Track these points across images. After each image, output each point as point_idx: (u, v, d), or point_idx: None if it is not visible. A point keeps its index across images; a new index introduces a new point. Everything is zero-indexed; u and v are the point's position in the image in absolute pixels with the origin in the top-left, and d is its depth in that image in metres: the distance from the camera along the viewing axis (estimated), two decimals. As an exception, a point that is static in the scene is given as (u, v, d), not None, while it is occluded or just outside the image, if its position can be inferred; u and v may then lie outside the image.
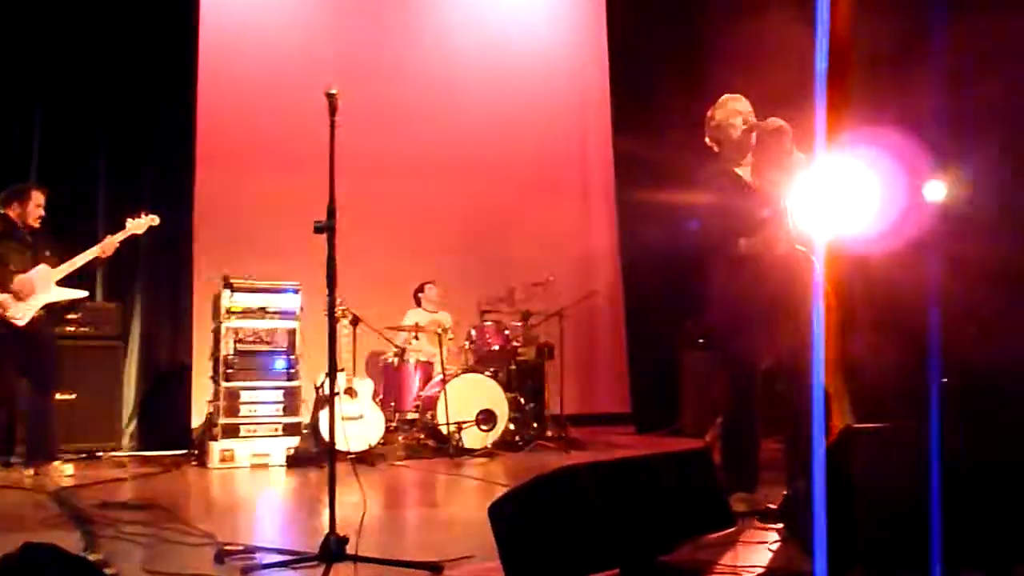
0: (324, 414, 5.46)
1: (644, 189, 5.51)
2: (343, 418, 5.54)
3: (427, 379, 6.42)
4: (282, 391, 5.72)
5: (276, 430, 5.66)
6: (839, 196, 2.50)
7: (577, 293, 6.91)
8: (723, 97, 3.55)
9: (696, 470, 2.39)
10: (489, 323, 6.44)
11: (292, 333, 5.83)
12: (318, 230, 2.72)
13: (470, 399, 5.94)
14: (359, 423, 5.71)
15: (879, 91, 3.98)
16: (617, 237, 7.73)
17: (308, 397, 5.85)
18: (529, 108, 7.81)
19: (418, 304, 6.85)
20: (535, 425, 6.34)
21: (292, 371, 5.74)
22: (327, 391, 5.11)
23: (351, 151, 5.64)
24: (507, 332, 6.42)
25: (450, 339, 6.30)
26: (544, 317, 6.62)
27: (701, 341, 6.86)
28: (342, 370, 5.73)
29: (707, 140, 3.58)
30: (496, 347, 6.32)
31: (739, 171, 3.55)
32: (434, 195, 7.43)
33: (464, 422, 5.84)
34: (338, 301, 4.10)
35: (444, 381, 5.94)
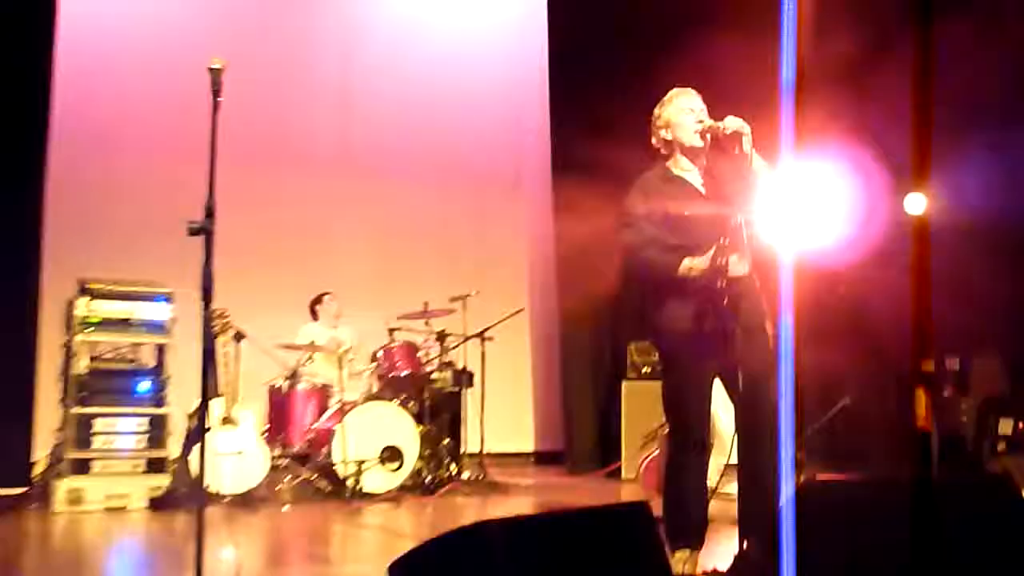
0: (197, 448, 5.36)
1: (586, 196, 5.41)
2: (219, 453, 5.54)
3: (322, 408, 6.36)
4: (147, 419, 5.68)
5: (138, 466, 5.63)
6: (805, 207, 2.58)
7: (504, 311, 6.93)
8: (671, 92, 3.53)
9: (634, 529, 2.36)
10: (399, 343, 6.45)
11: (161, 350, 5.80)
12: (193, 232, 2.72)
13: (373, 433, 5.97)
14: (239, 459, 5.69)
15: (840, 99, 4.23)
16: (553, 250, 7.80)
17: (178, 427, 5.83)
18: (455, 97, 7.90)
19: (315, 318, 6.85)
20: (450, 465, 6.40)
21: (159, 396, 5.72)
22: (200, 420, 4.82)
23: (239, 138, 5.50)
24: (420, 354, 6.48)
25: (351, 360, 6.34)
26: (464, 338, 6.66)
27: (646, 370, 7.03)
28: (220, 396, 5.72)
29: (653, 141, 3.56)
30: (406, 372, 6.36)
31: (688, 177, 3.53)
32: (338, 193, 7.52)
33: (365, 461, 5.86)
34: (218, 312, 3.91)
35: (342, 411, 5.95)
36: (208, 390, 2.85)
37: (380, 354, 6.43)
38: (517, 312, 7.06)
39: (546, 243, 8.00)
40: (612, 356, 7.50)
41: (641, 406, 6.82)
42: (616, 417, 7.16)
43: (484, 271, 7.86)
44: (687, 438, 3.30)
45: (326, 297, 6.89)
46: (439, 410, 6.53)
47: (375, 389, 6.34)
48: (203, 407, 2.87)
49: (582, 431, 7.66)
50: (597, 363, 7.59)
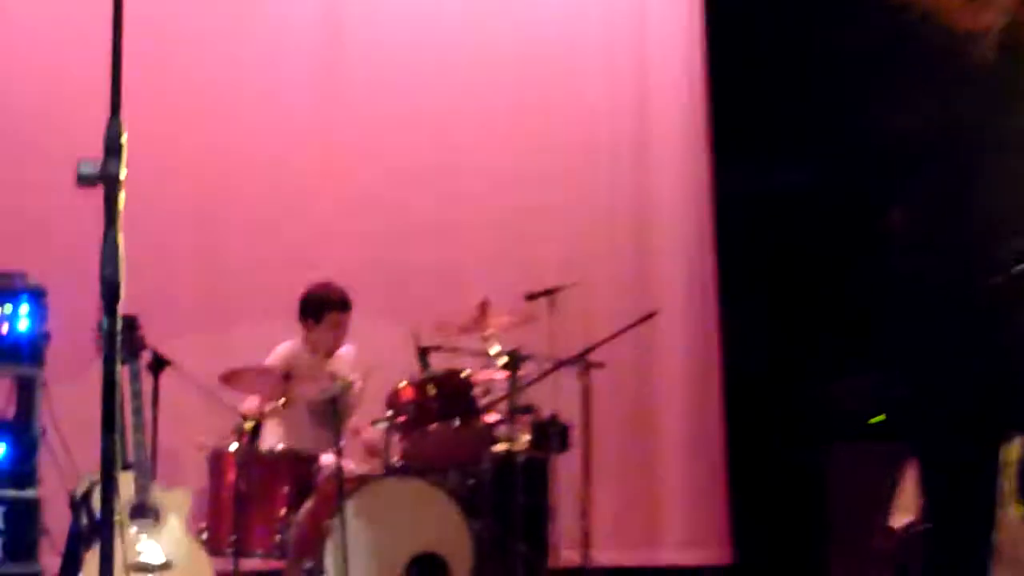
0: (92, 559, 5.44)
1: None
2: (134, 567, 5.50)
3: (303, 489, 6.21)
4: (3, 507, 5.85)
5: None
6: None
7: (621, 318, 7.02)
8: None
9: None
10: (436, 374, 6.35)
11: (25, 388, 5.99)
12: (85, 180, 2.65)
13: (394, 534, 5.94)
14: None
15: None
16: (709, 225, 8.12)
17: (57, 522, 5.97)
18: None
19: (308, 329, 6.71)
20: None
21: (24, 468, 5.87)
22: (97, 510, 5.42)
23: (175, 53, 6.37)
24: (474, 393, 6.37)
25: (353, 405, 6.41)
26: (554, 364, 6.57)
27: (879, 419, 7.15)
28: (129, 468, 5.68)
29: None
30: (450, 425, 6.25)
31: None
32: (351, 139, 7.86)
33: None
34: (126, 323, 4.34)
35: (340, 495, 5.81)
36: (112, 456, 2.68)
37: (405, 393, 6.30)
38: (647, 318, 7.06)
39: (696, 210, 8.35)
40: (814, 401, 7.65)
41: (862, 483, 7.04)
42: (823, 501, 7.35)
43: (590, 256, 8.02)
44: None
45: (333, 304, 6.73)
46: (507, 494, 6.41)
47: (395, 457, 6.26)
48: (106, 487, 2.70)
49: (763, 529, 7.78)
50: (788, 414, 7.77)
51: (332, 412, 6.13)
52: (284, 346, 6.76)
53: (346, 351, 6.88)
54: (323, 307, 6.76)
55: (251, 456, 6.26)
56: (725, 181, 8.43)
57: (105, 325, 2.68)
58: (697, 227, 8.56)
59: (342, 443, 6.13)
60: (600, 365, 6.79)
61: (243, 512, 6.18)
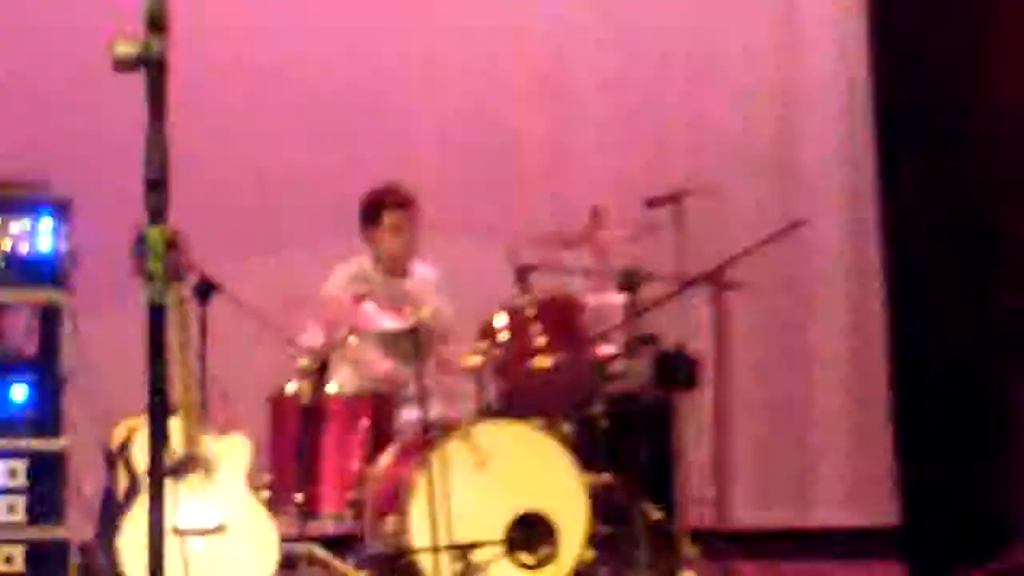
0: (132, 523, 5.56)
1: None
2: (178, 533, 5.42)
3: (383, 438, 6.20)
4: (23, 462, 5.81)
5: (8, 558, 5.76)
6: None
7: (762, 229, 6.88)
8: None
9: None
10: (539, 298, 6.27)
11: (50, 315, 5.94)
12: (123, 62, 2.68)
13: (492, 489, 5.91)
14: (217, 545, 5.74)
15: None
16: (869, 117, 7.96)
17: (89, 478, 6.06)
18: None
19: (370, 240, 6.78)
20: (657, 548, 6.27)
21: (49, 414, 5.87)
22: (138, 463, 5.54)
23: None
24: (584, 321, 6.29)
25: (440, 337, 6.33)
26: (682, 284, 6.46)
27: None
28: (177, 411, 5.72)
29: None
30: (557, 360, 6.22)
31: None
32: (446, 47, 7.89)
33: (476, 547, 5.76)
34: (169, 237, 3.96)
35: (426, 443, 5.79)
36: (160, 395, 2.75)
37: (501, 323, 6.25)
38: (793, 227, 6.92)
39: (839, 98, 8.19)
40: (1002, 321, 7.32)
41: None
42: (1008, 454, 7.21)
43: (719, 159, 7.90)
44: None
45: (392, 211, 6.68)
46: (627, 442, 6.33)
47: (492, 398, 6.21)
48: (154, 434, 2.75)
49: (937, 488, 7.55)
50: (969, 350, 7.45)
51: (413, 345, 6.06)
52: (344, 268, 6.72)
53: (427, 272, 6.85)
54: (380, 206, 6.72)
55: (317, 400, 6.21)
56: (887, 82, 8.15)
57: (148, 236, 2.66)
58: (850, 123, 8.35)
59: (426, 382, 6.06)
60: (736, 286, 6.55)
61: (310, 466, 6.20)
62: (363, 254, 6.82)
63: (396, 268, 6.78)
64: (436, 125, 8.01)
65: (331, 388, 6.31)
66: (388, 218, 6.73)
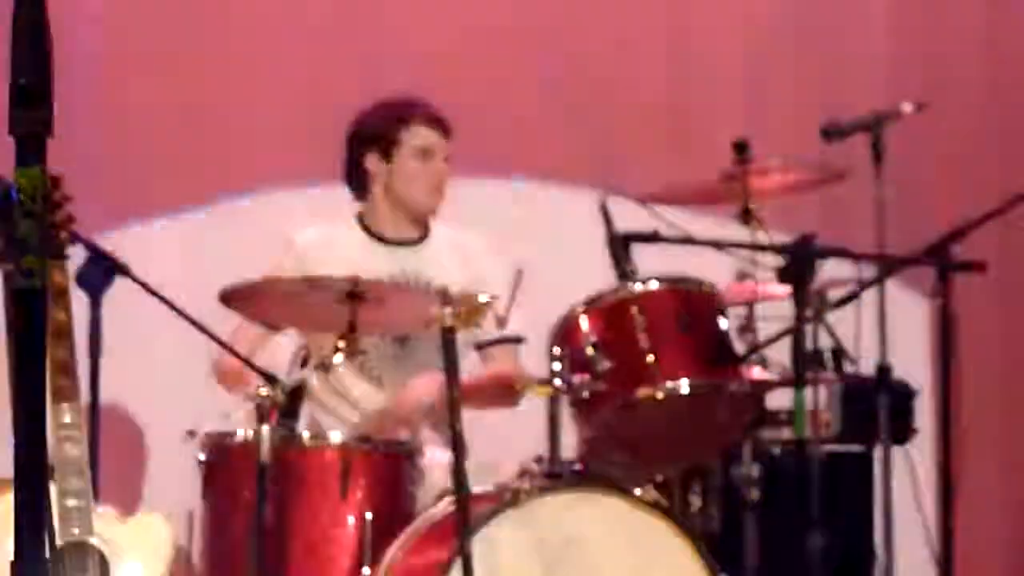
0: None
1: None
2: None
3: (390, 511, 4.95)
4: None
5: None
6: None
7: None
8: None
9: None
10: (650, 289, 5.02)
11: None
12: None
13: None
14: None
15: None
16: None
17: None
18: None
19: (373, 183, 5.61)
20: None
21: None
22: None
23: None
24: (723, 319, 5.12)
25: (493, 316, 5.11)
26: (879, 269, 5.51)
27: None
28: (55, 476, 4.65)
29: None
30: (678, 384, 4.98)
31: None
32: None
33: None
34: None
35: (463, 523, 4.65)
36: (28, 452, 2.10)
37: (587, 324, 5.00)
38: None
39: None
40: None
41: None
42: None
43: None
44: None
45: (422, 114, 5.57)
46: (796, 521, 5.20)
47: (574, 449, 5.01)
48: (26, 512, 2.12)
49: None
50: None
51: (446, 359, 4.56)
52: (320, 230, 5.42)
53: (471, 240, 5.47)
54: (406, 119, 5.42)
55: (287, 450, 4.79)
56: None
57: (16, 183, 2.05)
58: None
59: (463, 423, 4.60)
60: (977, 267, 5.03)
61: (274, 562, 4.76)
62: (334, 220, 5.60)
63: (408, 229, 5.42)
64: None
65: (307, 433, 4.91)
66: (417, 137, 5.38)
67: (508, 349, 5.23)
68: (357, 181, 5.40)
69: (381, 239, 5.39)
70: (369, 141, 5.41)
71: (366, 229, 5.39)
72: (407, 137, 5.34)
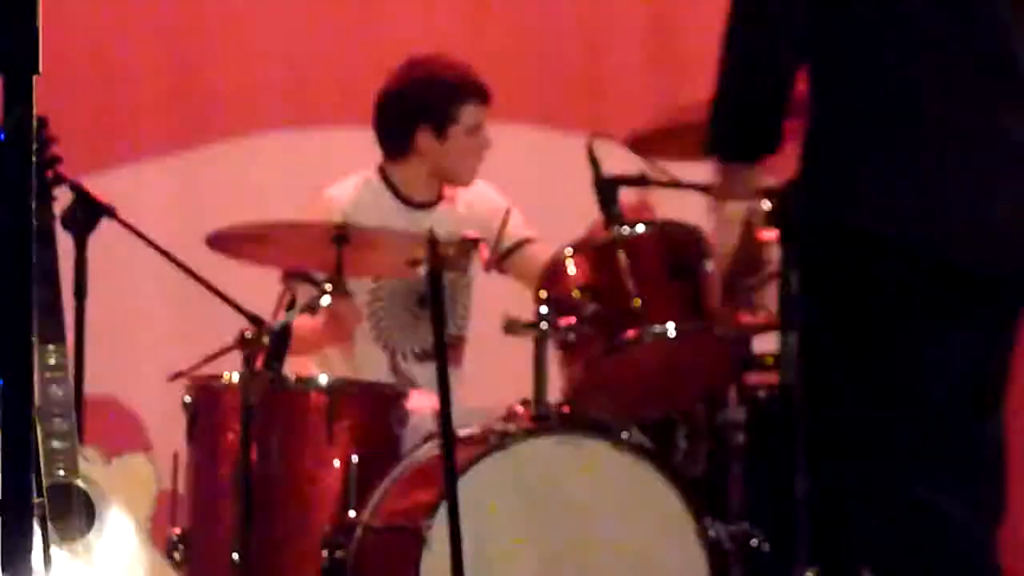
0: None
1: None
2: None
3: (374, 456, 4.92)
4: None
5: None
6: None
7: None
8: None
9: None
10: (637, 232, 5.09)
11: None
12: None
13: (550, 540, 4.91)
14: None
15: None
16: None
17: None
18: None
19: (418, 151, 5.52)
20: None
21: None
22: None
23: None
24: (708, 270, 5.06)
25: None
26: None
27: None
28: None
29: None
30: (670, 326, 5.02)
31: None
32: None
33: None
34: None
35: (449, 467, 4.66)
36: (16, 403, 1.97)
37: (572, 269, 5.06)
38: None
39: None
40: None
41: None
42: None
43: None
44: None
45: (474, 91, 5.51)
46: (781, 466, 4.76)
47: (558, 393, 4.97)
48: (14, 460, 2.00)
49: None
50: None
51: (433, 300, 4.68)
52: (349, 191, 5.33)
53: (489, 193, 5.48)
54: (462, 96, 5.37)
55: (271, 395, 4.73)
56: None
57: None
58: None
59: (456, 370, 5.07)
60: None
61: (260, 504, 4.73)
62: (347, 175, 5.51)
63: (434, 191, 5.44)
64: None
65: (293, 376, 4.88)
66: (471, 116, 5.43)
67: (525, 252, 5.24)
68: (398, 147, 5.39)
69: (409, 202, 5.41)
70: (421, 115, 5.40)
71: (392, 189, 5.44)
72: (462, 116, 5.37)
